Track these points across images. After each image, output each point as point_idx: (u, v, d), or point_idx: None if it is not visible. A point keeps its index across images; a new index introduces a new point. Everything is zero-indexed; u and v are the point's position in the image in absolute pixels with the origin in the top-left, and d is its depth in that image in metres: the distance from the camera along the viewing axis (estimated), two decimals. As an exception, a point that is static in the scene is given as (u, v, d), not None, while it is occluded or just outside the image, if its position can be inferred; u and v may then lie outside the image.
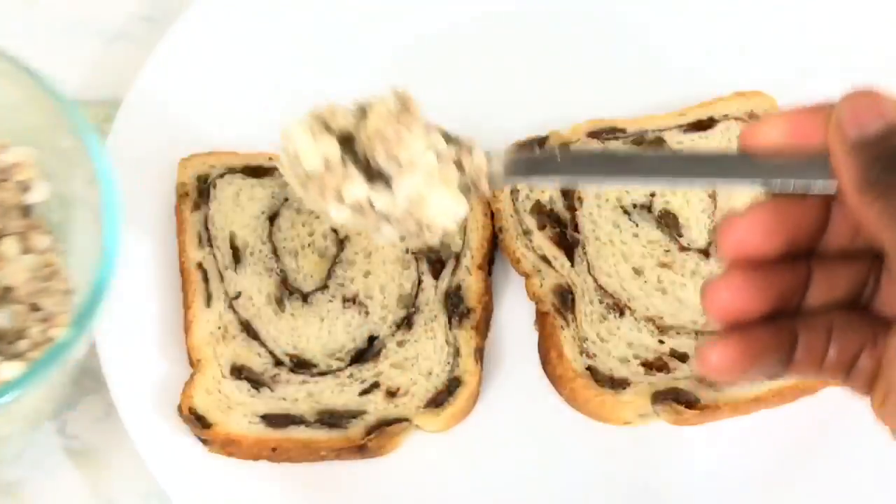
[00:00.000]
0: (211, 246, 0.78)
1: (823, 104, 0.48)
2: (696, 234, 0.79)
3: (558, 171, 0.57)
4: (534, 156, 0.62)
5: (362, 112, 0.62)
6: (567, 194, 0.80)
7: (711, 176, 0.52)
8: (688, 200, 0.80)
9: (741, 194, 0.80)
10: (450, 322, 0.76)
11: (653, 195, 0.80)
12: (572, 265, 0.78)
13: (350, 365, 0.75)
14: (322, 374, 0.75)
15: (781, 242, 0.49)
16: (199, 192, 0.80)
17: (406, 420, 0.73)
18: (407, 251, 0.78)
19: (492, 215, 0.80)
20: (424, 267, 0.78)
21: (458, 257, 0.78)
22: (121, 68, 0.87)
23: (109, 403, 0.74)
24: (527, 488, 0.74)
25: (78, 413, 0.77)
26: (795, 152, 0.48)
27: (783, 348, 0.50)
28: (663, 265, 0.78)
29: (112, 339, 0.74)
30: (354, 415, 0.73)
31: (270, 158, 0.80)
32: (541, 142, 0.82)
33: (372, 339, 0.76)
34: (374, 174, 0.61)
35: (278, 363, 0.75)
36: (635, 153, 0.61)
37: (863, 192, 0.44)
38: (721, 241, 0.50)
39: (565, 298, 0.76)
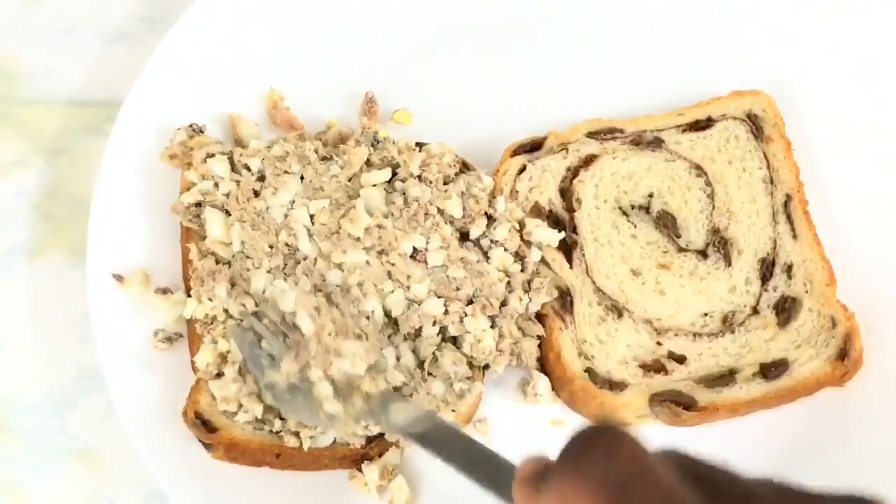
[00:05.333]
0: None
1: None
2: (694, 234, 0.79)
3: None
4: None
5: None
6: (566, 195, 0.80)
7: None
8: (686, 201, 0.80)
9: (740, 195, 0.80)
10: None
11: (651, 195, 0.80)
12: (571, 267, 0.78)
13: None
14: None
15: None
16: None
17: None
18: None
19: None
20: None
21: None
22: (121, 68, 0.87)
23: (109, 403, 0.75)
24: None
25: (78, 413, 0.77)
26: None
27: None
28: (662, 266, 0.78)
29: (112, 341, 0.74)
30: None
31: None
32: (540, 142, 0.82)
33: None
34: None
35: None
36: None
37: None
38: None
39: (564, 300, 0.76)
